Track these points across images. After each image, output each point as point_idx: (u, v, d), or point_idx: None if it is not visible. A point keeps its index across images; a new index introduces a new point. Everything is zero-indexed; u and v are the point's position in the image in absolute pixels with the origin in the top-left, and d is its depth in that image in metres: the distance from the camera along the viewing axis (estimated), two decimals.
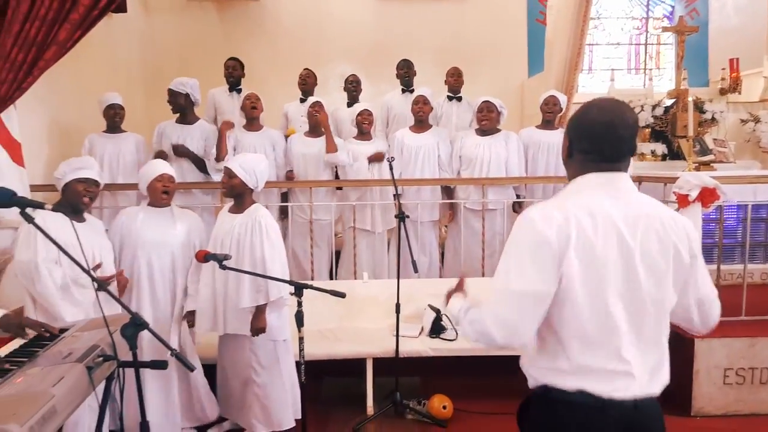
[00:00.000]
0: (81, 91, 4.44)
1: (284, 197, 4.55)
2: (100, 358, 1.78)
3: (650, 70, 7.49)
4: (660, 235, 1.45)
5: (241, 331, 3.04)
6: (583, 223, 1.42)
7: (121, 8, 4.33)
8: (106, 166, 4.23)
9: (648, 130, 6.01)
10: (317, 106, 4.48)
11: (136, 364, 1.84)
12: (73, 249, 1.85)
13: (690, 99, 4.53)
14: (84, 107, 4.61)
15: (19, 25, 2.87)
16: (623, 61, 7.61)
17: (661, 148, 5.92)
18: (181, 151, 4.29)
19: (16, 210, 3.12)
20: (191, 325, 3.15)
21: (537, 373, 1.53)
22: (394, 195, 3.65)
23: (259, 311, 3.00)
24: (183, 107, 4.34)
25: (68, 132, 4.52)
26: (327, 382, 3.96)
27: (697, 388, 3.49)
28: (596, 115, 1.49)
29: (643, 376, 1.46)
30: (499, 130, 4.56)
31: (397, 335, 3.45)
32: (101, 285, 1.78)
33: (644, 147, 5.93)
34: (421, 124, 4.61)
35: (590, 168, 1.50)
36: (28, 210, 1.77)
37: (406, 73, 5.19)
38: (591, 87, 7.48)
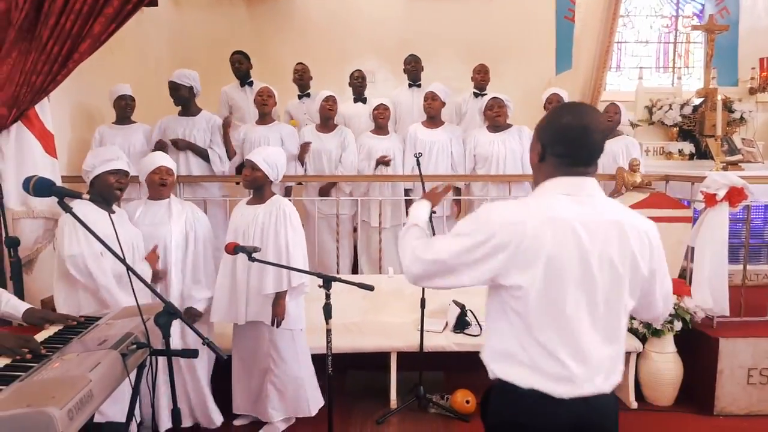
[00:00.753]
0: (110, 84, 4.50)
1: (287, 191, 4.58)
2: (134, 346, 1.81)
3: (679, 68, 7.36)
4: (620, 241, 1.48)
5: (260, 317, 3.09)
6: (544, 226, 1.44)
7: (152, 2, 4.36)
8: None
9: (676, 129, 5.92)
10: (331, 100, 4.51)
11: (169, 353, 1.87)
12: (111, 240, 1.89)
13: (719, 98, 4.45)
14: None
15: (55, 18, 2.92)
16: (652, 60, 7.49)
17: (688, 147, 5.83)
18: (181, 146, 4.26)
19: (47, 200, 3.26)
20: (194, 319, 3.12)
21: (495, 367, 1.56)
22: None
23: (279, 297, 3.05)
24: (187, 99, 4.32)
25: (97, 124, 4.58)
26: (351, 374, 4.00)
27: (720, 387, 3.48)
28: (571, 120, 1.50)
29: (596, 376, 1.49)
30: (510, 126, 4.53)
31: (422, 330, 3.46)
32: (137, 274, 1.81)
33: (671, 146, 5.85)
34: (432, 119, 4.61)
35: (563, 171, 1.51)
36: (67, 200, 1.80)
37: (413, 67, 5.18)
38: (619, 85, 7.39)
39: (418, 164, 3.53)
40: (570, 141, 1.50)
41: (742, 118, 5.94)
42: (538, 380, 1.48)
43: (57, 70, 3.01)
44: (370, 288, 2.46)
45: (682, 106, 5.83)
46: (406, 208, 4.47)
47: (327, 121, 4.55)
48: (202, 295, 3.15)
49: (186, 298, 3.12)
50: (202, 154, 4.31)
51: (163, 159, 3.19)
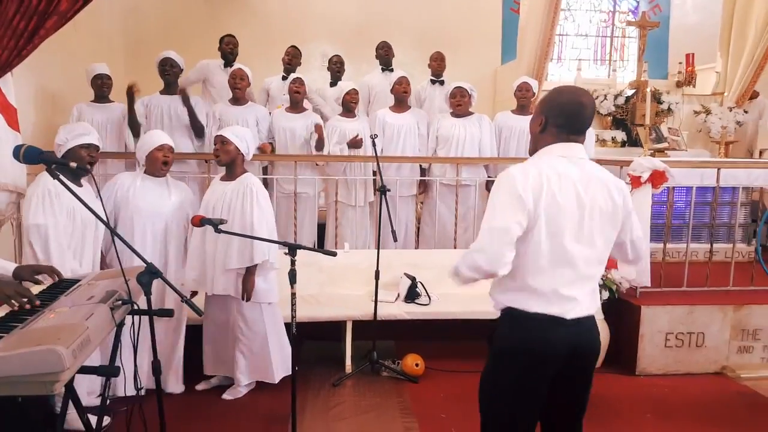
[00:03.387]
0: (67, 60, 4.52)
1: (264, 171, 4.74)
2: (119, 302, 1.98)
3: (614, 61, 7.87)
4: (605, 193, 1.85)
5: (227, 291, 3.27)
6: (552, 180, 1.79)
7: None
8: None
9: (609, 118, 6.37)
10: (298, 82, 4.67)
11: (150, 312, 2.05)
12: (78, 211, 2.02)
13: (648, 90, 4.86)
14: (69, 75, 4.69)
15: None
16: (590, 52, 7.97)
17: (620, 135, 6.29)
18: (184, 100, 4.45)
19: (11, 174, 3.31)
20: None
21: (501, 297, 1.90)
22: (374, 171, 3.88)
23: (249, 273, 3.22)
24: (176, 78, 4.50)
25: (54, 98, 4.60)
26: (307, 345, 4.20)
27: (641, 350, 3.88)
28: (571, 97, 1.89)
29: (584, 300, 1.86)
30: (472, 113, 4.83)
31: (376, 300, 3.72)
32: (121, 238, 1.98)
33: (606, 134, 6.29)
34: (401, 104, 4.85)
35: (562, 138, 1.87)
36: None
37: (385, 53, 5.41)
38: (559, 75, 7.83)
39: (374, 145, 3.76)
40: (568, 114, 1.86)
41: (669, 109, 6.42)
42: (543, 305, 1.81)
43: (23, 45, 3.06)
44: (333, 254, 2.68)
45: (615, 97, 6.28)
46: (374, 187, 4.70)
47: (296, 103, 4.71)
48: None
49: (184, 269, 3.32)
50: (197, 126, 4.52)
51: (165, 137, 3.30)
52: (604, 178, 1.87)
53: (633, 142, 6.25)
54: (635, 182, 3.91)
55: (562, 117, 1.86)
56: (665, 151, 5.67)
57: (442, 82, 5.34)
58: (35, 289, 2.16)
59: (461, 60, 6.55)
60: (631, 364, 3.90)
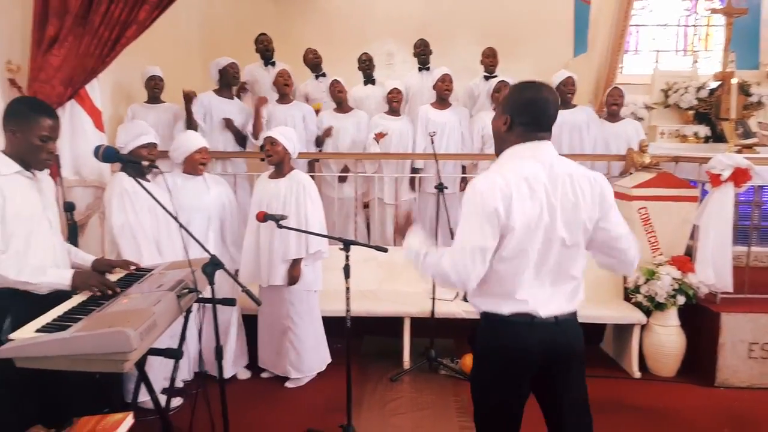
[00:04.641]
0: (146, 65, 4.79)
1: (311, 167, 4.87)
2: (186, 290, 2.12)
3: (697, 52, 7.43)
4: (575, 188, 1.80)
5: (283, 282, 3.43)
6: (521, 187, 1.77)
7: None
8: None
9: (691, 112, 6.03)
10: (339, 84, 4.81)
11: (214, 300, 2.18)
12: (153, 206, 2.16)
13: (734, 81, 4.57)
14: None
15: (105, 6, 3.22)
16: (671, 43, 7.56)
17: (704, 130, 5.94)
18: (229, 126, 4.63)
19: (96, 170, 3.59)
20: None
21: (479, 302, 1.91)
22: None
23: (296, 262, 3.40)
24: (234, 81, 4.70)
25: (132, 102, 4.87)
26: (367, 339, 4.29)
27: (721, 359, 3.63)
28: (534, 93, 1.83)
29: (559, 299, 1.84)
30: None
31: (434, 297, 3.73)
32: (189, 232, 2.12)
33: (687, 129, 5.97)
34: (442, 101, 4.82)
35: (529, 137, 1.83)
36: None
37: (422, 51, 5.37)
38: (636, 68, 7.49)
39: (432, 143, 3.77)
40: (533, 111, 1.82)
41: (759, 102, 6.01)
42: (516, 305, 1.82)
43: (107, 52, 3.32)
44: (384, 249, 2.74)
45: (698, 90, 5.93)
46: (410, 184, 4.73)
47: (340, 103, 4.85)
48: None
49: (225, 262, 3.44)
50: (241, 137, 4.73)
51: (202, 140, 3.48)
52: (576, 174, 1.82)
53: (718, 137, 5.88)
54: (715, 181, 3.69)
55: (526, 115, 1.82)
56: (754, 147, 5.29)
57: (495, 78, 5.25)
58: (113, 277, 2.36)
59: (530, 54, 6.41)
60: (710, 375, 3.67)
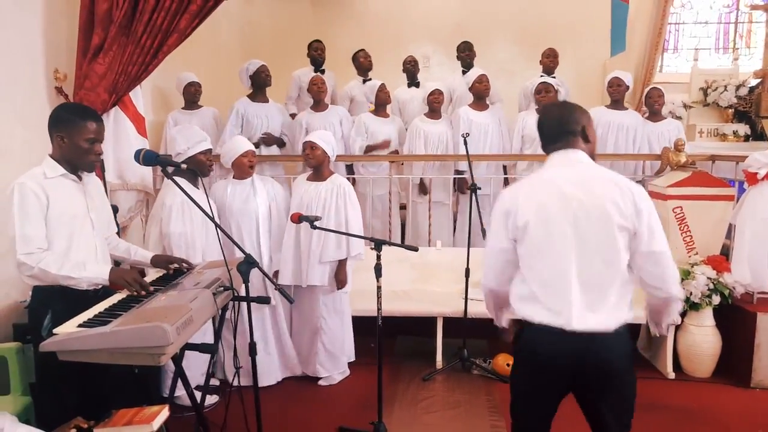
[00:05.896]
0: (188, 71, 4.95)
1: (349, 170, 4.93)
2: (221, 288, 2.21)
3: (737, 49, 7.23)
4: (601, 191, 1.83)
5: (322, 282, 3.50)
6: (530, 187, 1.92)
7: None
8: None
9: (731, 111, 5.89)
10: (384, 88, 4.85)
11: (249, 298, 2.26)
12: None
13: None
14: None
15: (148, 15, 3.37)
16: (711, 41, 7.38)
17: (743, 128, 5.79)
18: (268, 142, 4.77)
19: (139, 174, 3.73)
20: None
21: (517, 307, 1.96)
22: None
23: (342, 265, 3.47)
24: (267, 86, 4.79)
25: (171, 107, 5.01)
26: (400, 339, 4.34)
27: (757, 360, 3.57)
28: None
29: (599, 314, 1.81)
30: None
31: (466, 297, 3.75)
32: (227, 234, 2.21)
33: (726, 127, 5.83)
34: (480, 101, 4.83)
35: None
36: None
37: (467, 55, 5.38)
38: (676, 66, 7.34)
39: (465, 144, 3.79)
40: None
41: None
42: (545, 315, 1.85)
43: (149, 60, 3.46)
44: (415, 249, 2.78)
45: (737, 88, 5.79)
46: (453, 186, 4.76)
47: (381, 106, 4.92)
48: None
49: (275, 261, 3.58)
50: (281, 143, 4.88)
51: (248, 143, 3.56)
52: (601, 177, 1.87)
53: (758, 135, 5.72)
54: (751, 179, 3.62)
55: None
56: None
57: (553, 79, 5.20)
58: (155, 275, 2.47)
59: (567, 54, 6.33)
60: (746, 376, 3.61)
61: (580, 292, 1.81)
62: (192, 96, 4.81)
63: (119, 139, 3.69)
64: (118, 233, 3.65)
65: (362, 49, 5.53)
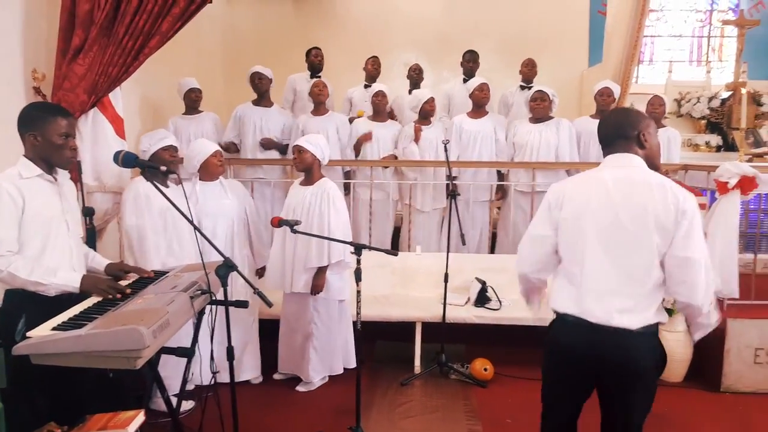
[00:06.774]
0: (170, 74, 4.93)
1: (347, 176, 4.94)
2: (199, 291, 2.21)
3: (710, 62, 7.43)
4: (645, 193, 1.89)
5: (306, 289, 3.48)
6: (578, 181, 2.04)
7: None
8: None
9: (703, 122, 6.05)
10: (381, 95, 4.85)
11: (227, 302, 2.26)
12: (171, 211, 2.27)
13: (744, 91, 4.57)
14: (172, 89, 5.12)
15: (130, 17, 3.35)
16: (685, 53, 7.58)
17: (715, 139, 5.95)
18: (268, 146, 4.76)
19: (116, 176, 3.70)
20: (260, 276, 3.66)
21: (550, 299, 2.03)
22: (448, 176, 3.96)
23: (321, 271, 3.44)
24: (266, 90, 4.82)
25: (157, 110, 5.03)
26: (379, 344, 4.34)
27: (727, 365, 3.66)
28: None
29: (626, 311, 1.86)
30: (551, 118, 4.76)
31: (445, 302, 3.78)
32: (204, 235, 2.21)
33: (698, 138, 5.98)
34: (479, 109, 4.88)
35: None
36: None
37: (471, 66, 5.45)
38: (651, 78, 7.50)
39: (446, 150, 3.83)
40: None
41: None
42: (570, 306, 1.95)
43: (130, 62, 3.44)
44: (395, 253, 2.80)
45: (710, 99, 5.95)
46: (446, 191, 4.74)
47: (378, 112, 4.92)
48: (268, 252, 3.65)
49: (258, 257, 3.64)
50: (283, 149, 4.86)
51: (214, 144, 3.55)
52: (647, 180, 1.90)
53: (729, 146, 5.89)
54: (722, 188, 3.72)
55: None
56: (765, 156, 5.31)
57: (531, 88, 5.28)
58: (130, 278, 2.45)
59: (546, 64, 6.44)
60: (716, 380, 3.70)
61: (608, 288, 1.88)
62: (192, 102, 4.86)
63: (97, 140, 3.64)
64: (95, 234, 3.65)
65: (373, 56, 5.59)
